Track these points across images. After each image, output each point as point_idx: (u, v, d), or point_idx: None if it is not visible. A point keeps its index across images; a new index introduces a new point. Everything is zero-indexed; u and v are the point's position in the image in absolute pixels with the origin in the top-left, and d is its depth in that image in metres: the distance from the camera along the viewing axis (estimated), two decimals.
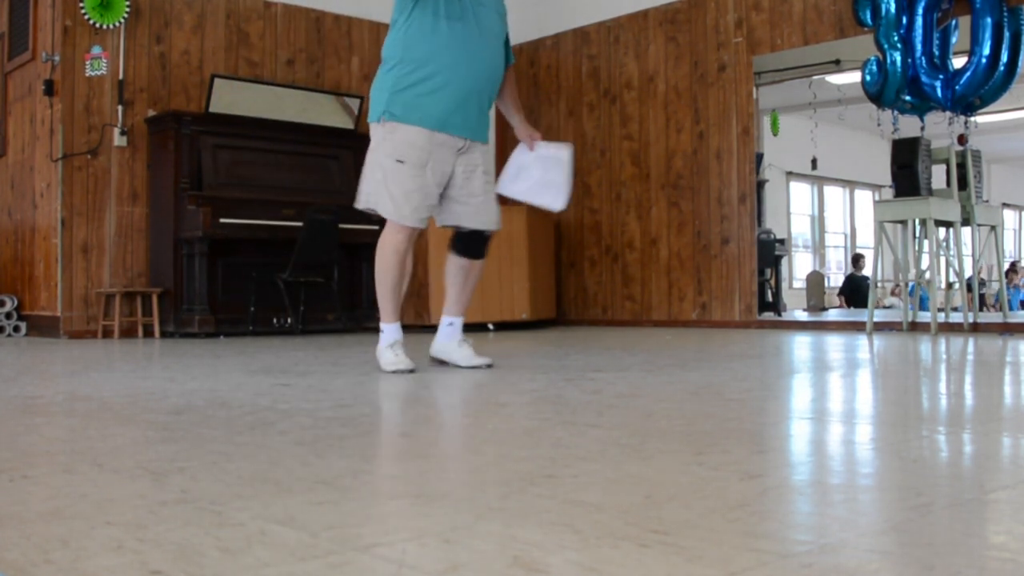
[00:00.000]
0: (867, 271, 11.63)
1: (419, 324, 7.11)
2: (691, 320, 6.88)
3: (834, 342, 4.89)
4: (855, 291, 11.40)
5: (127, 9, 6.13)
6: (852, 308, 11.00)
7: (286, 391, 2.65)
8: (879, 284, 7.95)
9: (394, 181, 3.21)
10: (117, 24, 6.15)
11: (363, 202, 3.32)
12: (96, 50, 6.13)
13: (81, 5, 6.08)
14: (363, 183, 3.33)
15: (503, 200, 3.53)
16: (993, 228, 6.43)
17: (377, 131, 3.28)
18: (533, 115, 7.93)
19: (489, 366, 3.33)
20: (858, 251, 13.32)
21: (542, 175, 3.43)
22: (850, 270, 12.53)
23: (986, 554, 0.98)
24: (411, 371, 3.17)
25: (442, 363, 3.44)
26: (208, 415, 2.14)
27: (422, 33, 3.21)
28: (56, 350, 4.89)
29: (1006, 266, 13.39)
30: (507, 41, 3.49)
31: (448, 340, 3.41)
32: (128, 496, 1.29)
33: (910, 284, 6.17)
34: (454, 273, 3.43)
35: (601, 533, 1.05)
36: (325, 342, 5.40)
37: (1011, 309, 9.52)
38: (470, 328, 6.34)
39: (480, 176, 3.35)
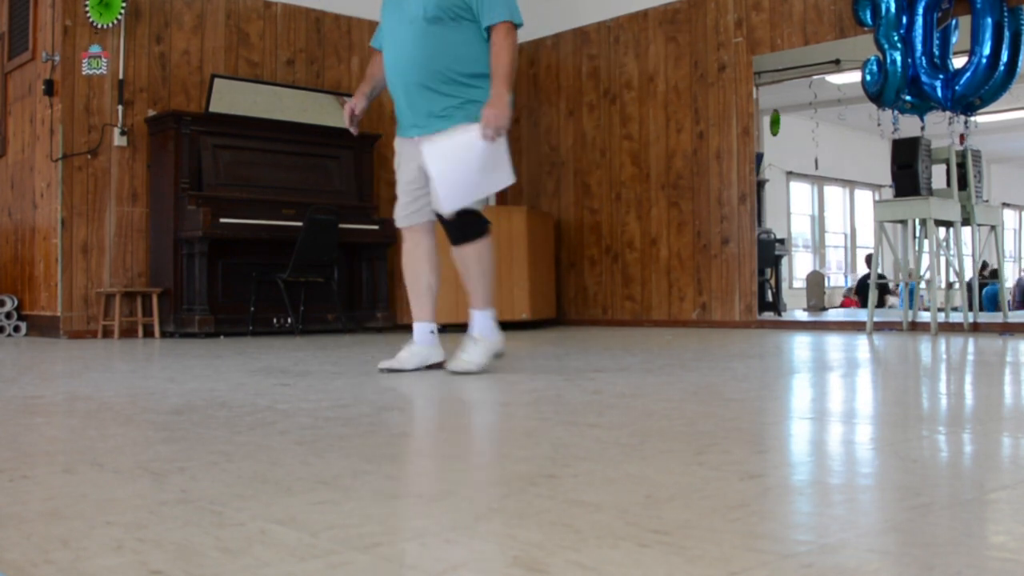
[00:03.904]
0: (879, 271, 11.67)
1: None
2: (691, 320, 6.88)
3: (834, 342, 4.89)
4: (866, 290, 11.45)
5: (123, 7, 6.13)
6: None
7: (286, 391, 2.65)
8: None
9: None
10: (115, 22, 6.14)
11: None
12: (95, 49, 6.13)
13: (85, 5, 6.09)
14: None
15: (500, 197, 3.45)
16: (993, 228, 6.43)
17: None
18: (533, 115, 7.94)
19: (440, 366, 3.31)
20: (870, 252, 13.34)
21: (480, 169, 3.14)
22: (864, 270, 12.54)
23: (986, 554, 0.98)
24: (386, 370, 3.24)
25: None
26: (208, 415, 2.14)
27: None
28: (56, 350, 4.89)
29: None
30: (471, 4, 3.18)
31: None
32: (128, 496, 1.29)
33: (910, 283, 6.17)
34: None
35: (601, 533, 1.05)
36: (325, 342, 5.40)
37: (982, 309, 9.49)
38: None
39: None
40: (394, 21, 3.28)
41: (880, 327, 6.01)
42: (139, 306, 6.20)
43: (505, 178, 3.20)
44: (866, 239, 14.28)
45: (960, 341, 4.88)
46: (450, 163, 3.13)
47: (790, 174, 12.88)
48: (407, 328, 7.18)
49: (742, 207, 6.65)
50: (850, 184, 14.39)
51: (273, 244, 6.30)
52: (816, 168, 11.25)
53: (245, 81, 6.50)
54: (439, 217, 3.29)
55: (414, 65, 3.20)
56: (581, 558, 0.95)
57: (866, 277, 11.85)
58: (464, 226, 3.24)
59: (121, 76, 6.27)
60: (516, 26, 3.22)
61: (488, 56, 3.22)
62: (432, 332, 3.35)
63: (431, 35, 3.18)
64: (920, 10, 5.75)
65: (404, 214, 3.38)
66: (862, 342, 4.87)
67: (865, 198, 14.62)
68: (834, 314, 9.27)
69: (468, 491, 1.34)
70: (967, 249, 6.37)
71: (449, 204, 3.16)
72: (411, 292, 3.40)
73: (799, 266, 13.56)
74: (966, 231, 6.29)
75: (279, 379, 3.02)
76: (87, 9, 6.09)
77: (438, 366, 3.33)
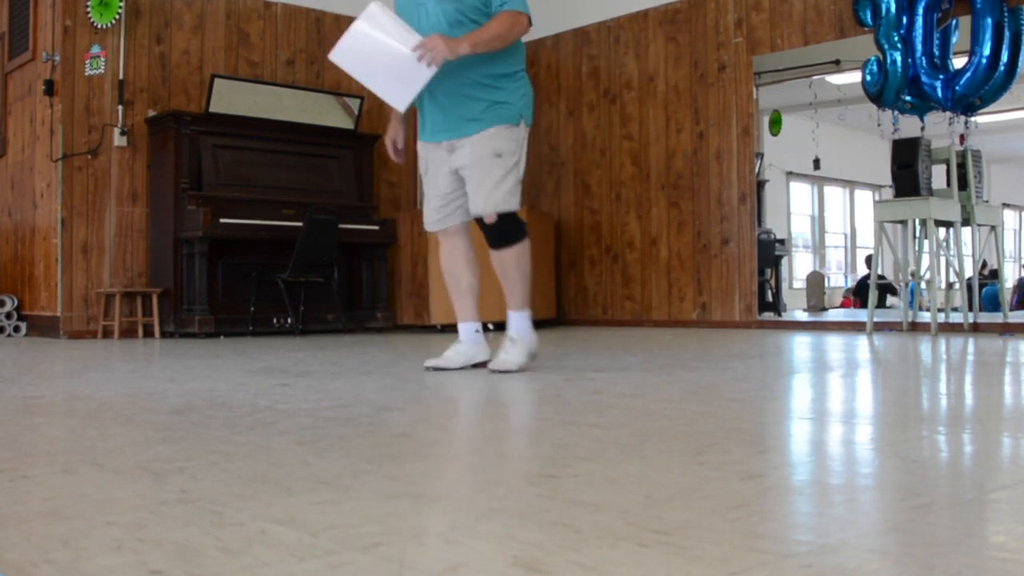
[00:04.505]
0: (879, 272, 11.68)
1: (419, 324, 7.12)
2: (691, 320, 6.88)
3: (834, 342, 4.89)
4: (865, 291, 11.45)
5: (121, 6, 6.13)
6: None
7: (286, 391, 2.65)
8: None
9: None
10: (114, 21, 6.14)
11: None
12: (95, 49, 6.14)
13: (86, 5, 6.09)
14: None
15: None
16: (993, 228, 6.43)
17: None
18: (533, 115, 7.93)
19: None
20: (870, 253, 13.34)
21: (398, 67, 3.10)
22: (863, 271, 12.52)
23: (986, 554, 0.98)
24: (432, 368, 3.28)
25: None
26: (208, 415, 2.14)
27: None
28: (56, 350, 4.89)
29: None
30: (482, 3, 3.19)
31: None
32: (128, 496, 1.29)
33: (910, 284, 6.17)
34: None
35: (601, 533, 1.05)
36: (325, 342, 5.40)
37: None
38: None
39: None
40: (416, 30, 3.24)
41: (880, 327, 6.01)
42: (139, 306, 6.20)
43: (396, 96, 3.17)
44: (866, 239, 14.28)
45: (960, 341, 4.88)
46: (375, 33, 3.12)
47: (790, 174, 12.88)
48: (407, 328, 7.21)
49: (742, 207, 6.65)
50: (850, 184, 14.39)
51: (273, 244, 6.31)
52: (816, 168, 11.24)
53: (245, 81, 6.50)
54: (479, 222, 3.28)
55: (441, 71, 3.14)
56: (581, 558, 0.95)
57: (866, 278, 11.86)
58: (504, 230, 3.24)
59: (121, 76, 6.27)
60: (526, 18, 3.18)
61: (513, 56, 3.25)
62: (477, 331, 3.38)
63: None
64: (920, 10, 5.75)
65: (435, 218, 3.39)
66: (862, 342, 4.87)
67: (865, 198, 14.62)
68: (834, 314, 9.27)
69: (468, 491, 1.34)
70: (967, 249, 6.37)
71: (336, 56, 3.16)
72: (452, 293, 3.43)
73: (799, 266, 13.56)
74: (966, 231, 6.29)
75: (279, 379, 3.02)
76: (87, 9, 6.10)
77: (482, 365, 3.35)
